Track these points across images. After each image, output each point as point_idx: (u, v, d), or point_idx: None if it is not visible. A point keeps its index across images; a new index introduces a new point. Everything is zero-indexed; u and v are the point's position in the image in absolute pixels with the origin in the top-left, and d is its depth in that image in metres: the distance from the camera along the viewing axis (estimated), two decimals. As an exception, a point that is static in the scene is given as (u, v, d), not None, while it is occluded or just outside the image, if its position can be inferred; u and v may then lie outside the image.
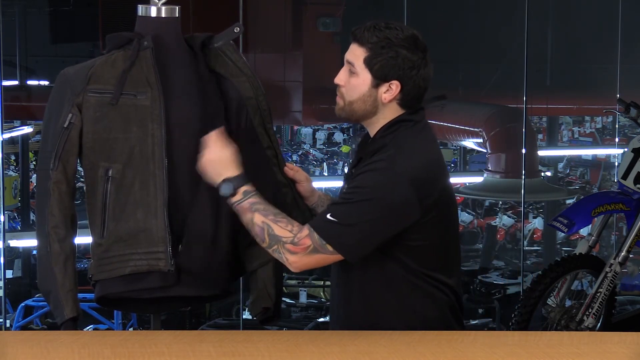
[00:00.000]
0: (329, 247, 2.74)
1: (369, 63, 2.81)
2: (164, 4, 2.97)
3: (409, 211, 2.75)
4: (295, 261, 2.76)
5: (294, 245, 2.75)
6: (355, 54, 2.83)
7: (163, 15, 2.97)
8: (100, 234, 2.91)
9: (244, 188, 2.81)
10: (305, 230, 2.75)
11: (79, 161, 2.95)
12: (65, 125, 2.88)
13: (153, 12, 2.97)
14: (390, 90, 2.81)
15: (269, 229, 2.77)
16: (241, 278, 3.15)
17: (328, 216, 2.75)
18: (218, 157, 2.82)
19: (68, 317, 2.89)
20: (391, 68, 2.79)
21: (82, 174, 2.97)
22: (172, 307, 3.11)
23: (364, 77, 2.82)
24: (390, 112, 2.85)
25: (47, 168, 2.90)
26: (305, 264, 2.78)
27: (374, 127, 2.88)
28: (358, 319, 2.89)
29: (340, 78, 2.87)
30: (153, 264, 2.89)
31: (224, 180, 2.81)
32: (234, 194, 2.80)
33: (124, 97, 2.88)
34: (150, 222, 2.88)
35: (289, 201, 3.07)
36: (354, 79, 2.84)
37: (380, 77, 2.81)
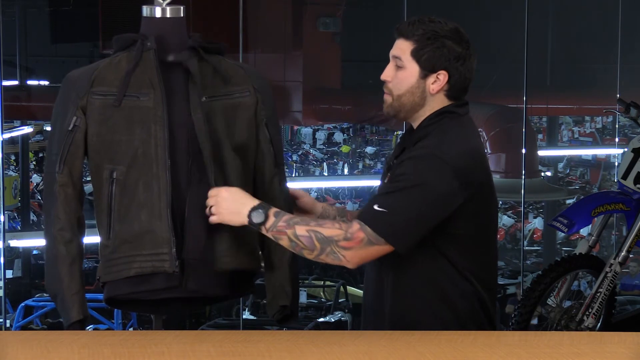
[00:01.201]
0: (382, 239, 2.75)
1: (416, 55, 2.84)
2: (168, 4, 2.96)
3: (452, 197, 2.77)
4: (352, 256, 2.76)
5: (347, 240, 2.75)
6: (401, 48, 2.86)
7: (168, 15, 2.96)
8: (107, 236, 2.91)
9: (273, 210, 2.81)
10: (356, 224, 2.75)
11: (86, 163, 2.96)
12: (69, 128, 2.88)
13: (158, 12, 2.96)
14: (438, 81, 2.85)
15: (316, 234, 2.77)
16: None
17: (375, 207, 2.76)
18: (231, 196, 2.81)
19: (74, 320, 2.89)
20: (438, 59, 2.83)
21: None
22: (181, 307, 3.10)
23: (412, 69, 2.85)
24: (437, 104, 2.88)
25: (52, 171, 2.90)
26: (362, 258, 2.78)
27: (420, 119, 2.90)
28: (392, 316, 2.91)
29: (387, 74, 2.89)
30: (158, 265, 2.89)
31: (252, 210, 2.80)
32: (266, 220, 2.79)
33: (127, 98, 2.88)
34: (155, 224, 2.88)
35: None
36: (401, 72, 2.86)
37: (427, 68, 2.84)
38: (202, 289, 2.95)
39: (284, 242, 2.80)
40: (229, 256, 2.94)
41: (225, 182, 2.89)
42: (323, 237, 2.76)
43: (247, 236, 2.96)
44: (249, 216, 2.80)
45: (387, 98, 2.90)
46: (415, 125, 2.92)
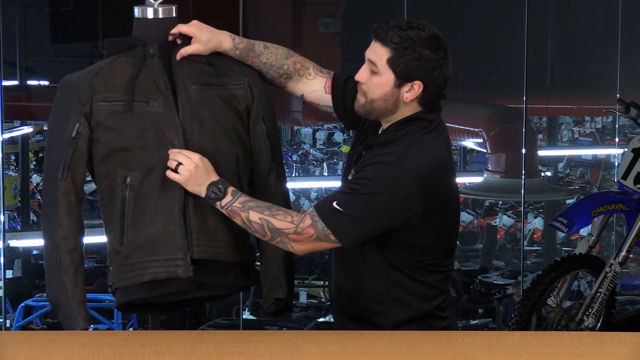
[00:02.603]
0: (332, 237, 2.79)
1: (392, 63, 2.81)
2: (160, 4, 2.93)
3: (411, 208, 2.78)
4: (299, 248, 2.84)
5: (297, 234, 2.81)
6: (378, 53, 2.83)
7: (160, 16, 2.94)
8: (119, 241, 2.89)
9: (231, 189, 2.84)
10: (308, 219, 2.80)
11: (87, 169, 2.94)
12: (72, 135, 2.85)
13: (150, 13, 2.93)
14: (413, 90, 2.83)
15: (268, 224, 2.81)
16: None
17: (334, 204, 2.79)
18: (198, 166, 2.83)
19: (81, 329, 2.89)
20: (415, 69, 2.80)
21: (93, 181, 2.95)
22: (192, 305, 3.09)
23: (387, 77, 2.83)
24: (409, 110, 2.87)
25: (55, 178, 2.87)
26: (308, 250, 2.87)
27: (390, 122, 2.90)
28: (349, 305, 2.96)
29: (362, 76, 2.88)
30: (172, 270, 2.88)
31: (211, 185, 2.83)
32: (224, 196, 2.82)
33: (136, 104, 2.85)
34: (169, 229, 2.87)
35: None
36: (376, 78, 2.84)
37: (403, 78, 2.82)
38: (209, 280, 2.95)
39: (237, 221, 2.85)
40: (228, 248, 2.95)
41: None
42: (274, 227, 2.81)
43: (242, 231, 2.98)
44: (207, 189, 2.83)
45: (360, 98, 2.89)
46: (384, 125, 2.92)
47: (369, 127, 2.99)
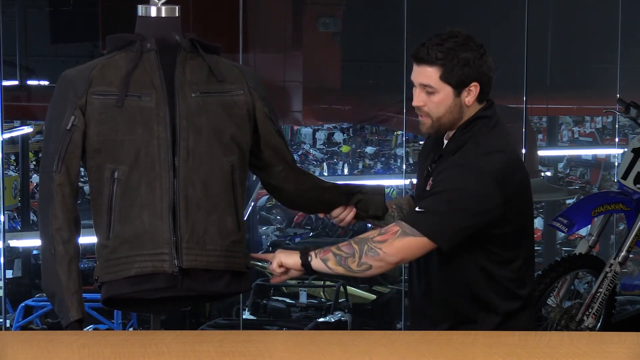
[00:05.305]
0: (419, 232, 2.87)
1: (446, 78, 2.95)
2: (163, 3, 2.97)
3: (491, 203, 2.90)
4: (388, 247, 2.88)
5: (381, 235, 2.89)
6: (427, 75, 2.96)
7: (163, 15, 2.97)
8: (106, 236, 2.91)
9: (310, 249, 2.99)
10: (394, 225, 2.91)
11: (82, 163, 2.95)
12: (67, 128, 2.88)
13: (153, 12, 2.97)
14: (472, 93, 2.98)
15: (354, 240, 2.92)
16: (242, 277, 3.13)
17: (416, 209, 2.93)
18: (284, 256, 3.02)
19: (74, 320, 2.90)
20: (467, 74, 2.96)
21: (86, 175, 2.97)
22: (178, 306, 3.11)
23: (446, 92, 2.97)
24: (472, 112, 3.02)
25: (50, 170, 2.90)
26: (398, 249, 2.89)
27: (454, 128, 3.04)
28: (439, 310, 3.06)
29: (420, 100, 3.00)
30: (158, 265, 2.89)
31: (301, 257, 2.98)
32: (314, 250, 2.97)
33: (129, 98, 2.88)
34: (156, 224, 2.88)
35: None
36: (435, 96, 2.97)
37: (460, 86, 2.97)
38: (198, 287, 2.96)
39: (331, 262, 2.94)
40: (220, 257, 2.96)
41: (206, 179, 2.93)
42: (360, 239, 2.91)
43: (236, 237, 2.99)
44: (300, 252, 2.97)
45: (426, 121, 3.01)
46: (450, 132, 3.03)
47: (431, 143, 3.14)
